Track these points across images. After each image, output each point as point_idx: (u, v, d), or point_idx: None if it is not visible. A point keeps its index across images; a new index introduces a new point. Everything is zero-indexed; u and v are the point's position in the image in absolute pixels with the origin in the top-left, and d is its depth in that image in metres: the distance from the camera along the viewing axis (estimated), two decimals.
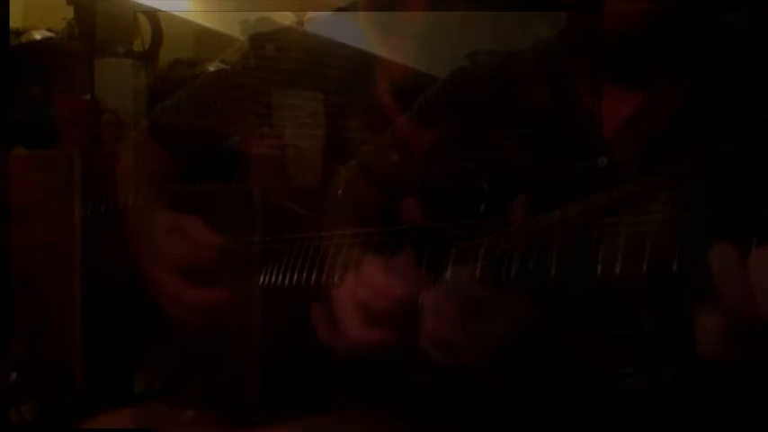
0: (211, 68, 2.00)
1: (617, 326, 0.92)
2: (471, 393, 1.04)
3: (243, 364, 1.30)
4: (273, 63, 1.42)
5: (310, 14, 1.84)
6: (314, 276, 1.14)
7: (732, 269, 0.74)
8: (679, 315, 0.84)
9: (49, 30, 2.06)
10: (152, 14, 2.14)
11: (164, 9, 2.21)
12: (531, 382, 1.00)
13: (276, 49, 1.42)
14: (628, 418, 0.94)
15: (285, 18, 2.00)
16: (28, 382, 1.54)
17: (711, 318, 0.76)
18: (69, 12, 2.06)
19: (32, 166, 1.67)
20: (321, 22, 1.49)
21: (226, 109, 1.45)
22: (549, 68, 1.09)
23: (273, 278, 1.21)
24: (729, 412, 0.91)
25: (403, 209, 1.09)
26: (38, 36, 2.03)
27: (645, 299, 0.86)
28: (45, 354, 1.58)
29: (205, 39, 2.36)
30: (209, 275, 1.30)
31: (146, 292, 1.33)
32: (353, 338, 1.03)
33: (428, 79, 1.24)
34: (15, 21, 2.00)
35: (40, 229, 1.61)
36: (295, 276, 1.17)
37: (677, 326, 0.85)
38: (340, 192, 1.25)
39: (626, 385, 0.93)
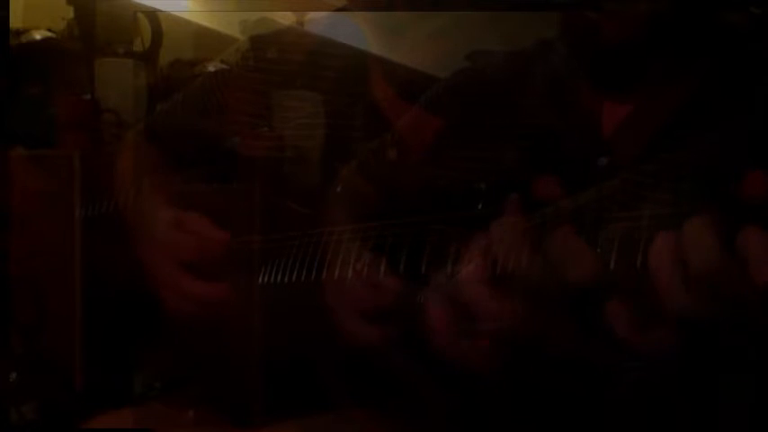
0: (211, 68, 2.00)
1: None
2: (472, 392, 1.04)
3: (243, 363, 1.30)
4: (273, 64, 1.42)
5: (310, 15, 1.84)
6: (314, 275, 1.14)
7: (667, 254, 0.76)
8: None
9: (49, 30, 2.06)
10: (152, 14, 2.14)
11: (164, 9, 2.21)
12: (535, 378, 1.00)
13: (276, 50, 1.42)
14: (630, 412, 0.94)
15: (285, 18, 2.00)
16: (28, 382, 1.54)
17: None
18: (69, 12, 2.06)
19: (32, 166, 1.67)
20: (321, 23, 1.49)
21: (225, 109, 1.44)
22: (550, 69, 1.09)
23: (273, 277, 1.21)
24: (729, 406, 0.91)
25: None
26: (38, 36, 2.03)
27: (641, 295, 0.86)
28: (45, 354, 1.58)
29: (205, 39, 2.36)
30: (212, 271, 1.30)
31: (148, 288, 1.33)
32: (353, 332, 1.03)
33: (428, 80, 1.24)
34: (15, 21, 2.00)
35: (39, 229, 1.61)
36: (295, 275, 1.17)
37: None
38: (339, 189, 1.25)
39: (628, 379, 0.93)
